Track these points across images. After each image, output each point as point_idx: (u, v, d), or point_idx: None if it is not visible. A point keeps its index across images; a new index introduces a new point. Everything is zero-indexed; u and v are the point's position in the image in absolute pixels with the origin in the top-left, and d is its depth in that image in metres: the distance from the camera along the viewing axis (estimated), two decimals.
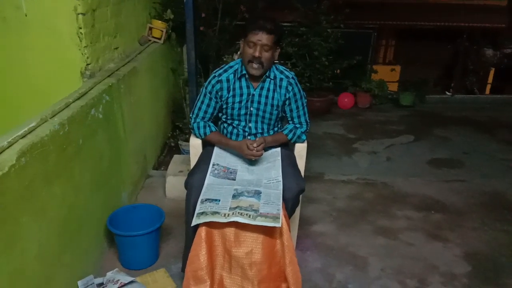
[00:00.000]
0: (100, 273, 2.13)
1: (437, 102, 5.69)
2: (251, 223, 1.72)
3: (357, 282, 2.25)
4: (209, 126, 2.18)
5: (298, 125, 2.22)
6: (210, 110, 2.17)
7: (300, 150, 2.27)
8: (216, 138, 2.17)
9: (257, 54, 1.97)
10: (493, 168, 3.71)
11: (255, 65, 2.01)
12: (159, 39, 3.58)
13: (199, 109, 2.18)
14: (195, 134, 2.23)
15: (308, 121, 2.25)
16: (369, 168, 3.67)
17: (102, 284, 2.06)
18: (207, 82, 2.16)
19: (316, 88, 4.95)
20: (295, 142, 2.24)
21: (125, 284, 2.03)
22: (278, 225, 1.72)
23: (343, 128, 4.63)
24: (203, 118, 2.19)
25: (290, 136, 2.20)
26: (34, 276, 1.58)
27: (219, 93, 2.13)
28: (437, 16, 6.21)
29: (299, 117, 2.21)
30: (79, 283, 1.93)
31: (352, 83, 5.40)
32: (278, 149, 2.19)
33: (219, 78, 2.12)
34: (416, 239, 2.64)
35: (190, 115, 2.24)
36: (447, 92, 6.16)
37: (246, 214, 1.74)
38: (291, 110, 2.18)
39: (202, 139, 2.21)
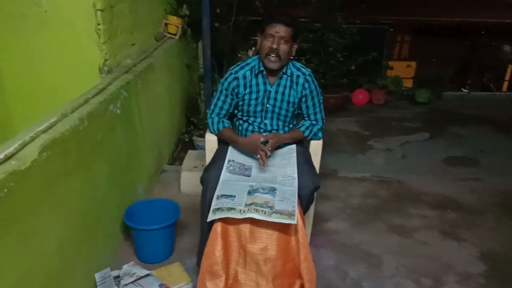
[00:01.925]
0: (117, 266, 2.16)
1: (453, 99, 5.61)
2: (266, 219, 1.73)
3: (371, 280, 2.25)
4: (222, 122, 2.19)
5: (314, 122, 2.22)
6: (226, 106, 2.18)
7: (316, 147, 2.27)
8: (226, 134, 2.17)
9: (274, 46, 1.97)
10: (509, 167, 3.66)
11: (272, 58, 2.00)
12: (175, 35, 3.59)
13: (215, 105, 2.20)
14: (209, 129, 2.24)
15: (324, 118, 2.25)
16: (384, 165, 3.65)
17: (118, 276, 2.09)
18: (223, 79, 2.17)
19: (331, 84, 4.92)
20: (311, 139, 2.24)
21: (141, 277, 2.06)
22: (293, 222, 1.73)
23: (357, 125, 4.61)
24: (218, 114, 2.20)
25: (306, 133, 2.20)
26: (54, 269, 1.62)
27: (235, 90, 2.13)
28: (453, 12, 6.10)
29: (315, 114, 2.21)
30: (97, 275, 1.96)
31: (367, 80, 5.35)
32: (294, 146, 2.18)
33: (236, 75, 2.12)
34: (431, 238, 2.63)
35: (207, 111, 2.26)
36: (463, 89, 6.07)
37: (262, 211, 1.75)
38: (307, 107, 2.18)
39: (215, 134, 2.23)
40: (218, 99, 2.18)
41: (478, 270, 2.35)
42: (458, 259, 2.44)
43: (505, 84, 6.68)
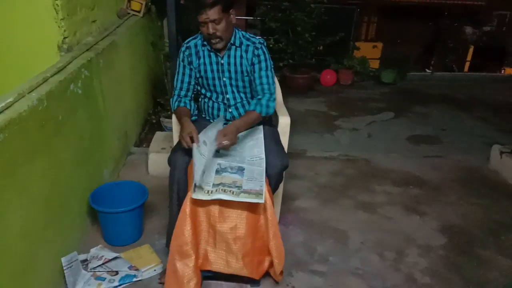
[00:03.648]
0: (84, 250, 2.13)
1: (417, 80, 5.75)
2: (234, 199, 1.74)
3: (338, 254, 2.31)
4: (179, 100, 2.15)
5: (260, 96, 2.08)
6: (186, 78, 2.15)
7: (284, 126, 2.27)
8: (178, 112, 2.12)
9: (210, 31, 1.94)
10: (469, 145, 3.81)
11: (214, 41, 2.00)
12: (139, 12, 3.48)
13: (177, 80, 2.18)
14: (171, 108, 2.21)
15: (272, 86, 2.10)
16: (351, 144, 3.72)
17: (86, 260, 2.07)
18: (179, 52, 2.15)
19: (299, 65, 4.93)
20: (267, 114, 2.10)
21: (109, 260, 2.04)
22: (261, 201, 1.74)
23: (325, 105, 4.66)
24: (181, 88, 2.16)
25: (258, 109, 2.05)
26: (18, 253, 1.57)
27: (189, 59, 2.12)
28: None
29: (260, 77, 2.07)
30: (63, 259, 1.92)
31: (335, 60, 5.40)
32: (260, 126, 2.16)
33: (188, 45, 2.12)
34: (394, 213, 2.72)
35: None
36: (427, 70, 6.24)
37: (230, 191, 1.75)
38: (254, 71, 2.09)
39: (173, 112, 2.19)
40: (178, 73, 2.16)
41: (438, 242, 2.46)
42: (420, 232, 2.54)
43: (467, 65, 6.92)
